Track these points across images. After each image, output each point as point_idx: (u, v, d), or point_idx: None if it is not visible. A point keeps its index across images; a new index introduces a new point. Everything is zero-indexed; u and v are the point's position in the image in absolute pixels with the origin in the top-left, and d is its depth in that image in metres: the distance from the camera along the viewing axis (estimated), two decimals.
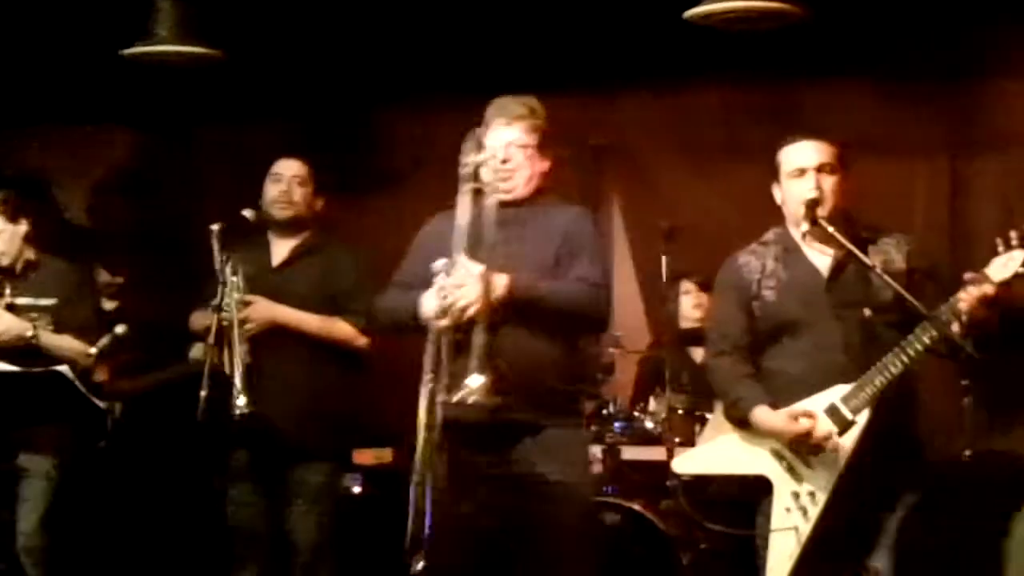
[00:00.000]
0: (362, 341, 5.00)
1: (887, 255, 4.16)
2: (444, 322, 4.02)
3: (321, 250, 5.07)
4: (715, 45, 5.63)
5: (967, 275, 3.97)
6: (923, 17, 5.76)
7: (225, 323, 4.81)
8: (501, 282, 4.02)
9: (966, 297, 3.91)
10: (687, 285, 5.94)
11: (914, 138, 5.97)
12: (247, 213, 4.91)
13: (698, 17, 5.12)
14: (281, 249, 5.08)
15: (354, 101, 6.57)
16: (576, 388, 4.29)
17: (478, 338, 3.97)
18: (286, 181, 5.05)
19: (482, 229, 4.10)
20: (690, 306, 6.02)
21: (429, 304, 4.06)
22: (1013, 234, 3.93)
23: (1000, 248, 3.95)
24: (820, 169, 4.15)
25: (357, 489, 5.71)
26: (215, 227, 4.82)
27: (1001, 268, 3.92)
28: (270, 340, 4.93)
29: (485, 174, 4.20)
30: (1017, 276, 3.91)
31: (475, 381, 3.91)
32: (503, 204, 4.19)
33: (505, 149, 4.19)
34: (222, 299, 4.82)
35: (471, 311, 3.99)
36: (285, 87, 6.57)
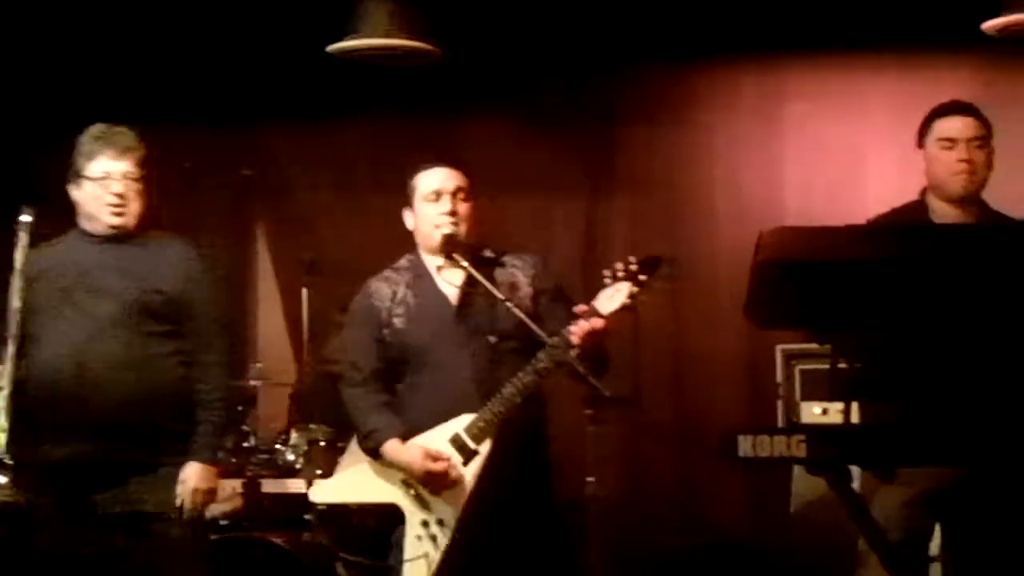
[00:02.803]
0: None
1: (513, 277, 4.21)
2: None
3: None
4: (364, 80, 5.70)
5: (576, 308, 4.03)
6: (559, 61, 5.98)
7: None
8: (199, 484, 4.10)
9: (576, 329, 3.97)
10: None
11: (553, 177, 6.18)
12: None
13: (340, 52, 5.18)
14: None
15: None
16: (186, 426, 4.23)
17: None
18: None
19: (83, 263, 4.05)
20: None
21: None
22: (619, 266, 4.00)
23: (607, 280, 4.02)
24: (455, 194, 4.18)
25: None
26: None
27: (608, 300, 3.99)
28: None
29: (89, 205, 4.16)
30: (624, 308, 4.00)
31: None
32: (106, 239, 4.18)
33: (120, 182, 4.14)
34: None
35: None
36: None
